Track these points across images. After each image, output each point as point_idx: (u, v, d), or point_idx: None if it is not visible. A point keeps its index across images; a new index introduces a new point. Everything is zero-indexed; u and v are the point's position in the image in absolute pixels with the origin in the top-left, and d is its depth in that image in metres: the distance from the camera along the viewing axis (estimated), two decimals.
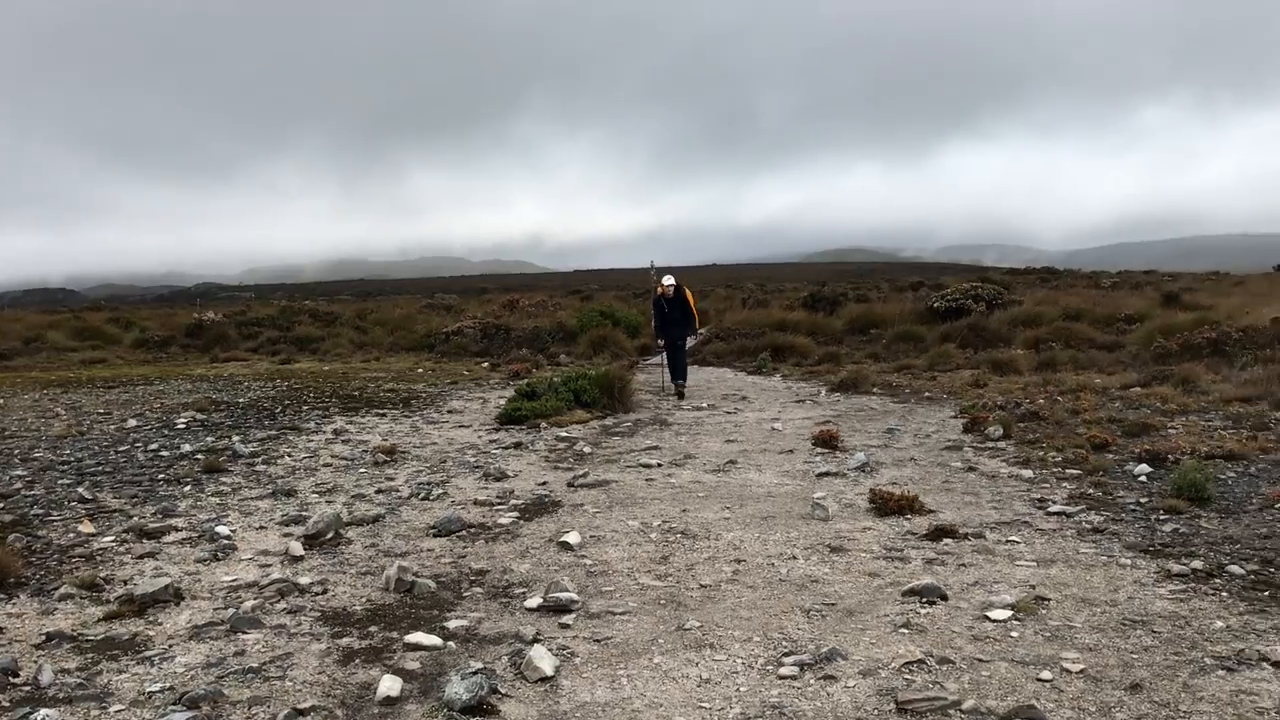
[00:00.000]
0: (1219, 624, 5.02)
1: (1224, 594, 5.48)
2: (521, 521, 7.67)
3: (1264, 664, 4.49)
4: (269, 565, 6.54)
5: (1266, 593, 5.46)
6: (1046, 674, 4.47)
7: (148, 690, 4.55)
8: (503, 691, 4.47)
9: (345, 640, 5.16)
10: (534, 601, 5.70)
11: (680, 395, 15.69)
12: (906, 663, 4.64)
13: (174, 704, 4.36)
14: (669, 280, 16.05)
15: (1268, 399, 11.83)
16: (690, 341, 17.55)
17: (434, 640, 5.09)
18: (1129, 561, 6.15)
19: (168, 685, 4.58)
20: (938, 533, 6.86)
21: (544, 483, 9.15)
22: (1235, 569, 5.86)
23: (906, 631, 5.07)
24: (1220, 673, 4.43)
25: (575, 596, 5.70)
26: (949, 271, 69.12)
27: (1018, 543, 6.67)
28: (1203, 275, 48.24)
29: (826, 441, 10.55)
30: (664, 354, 16.59)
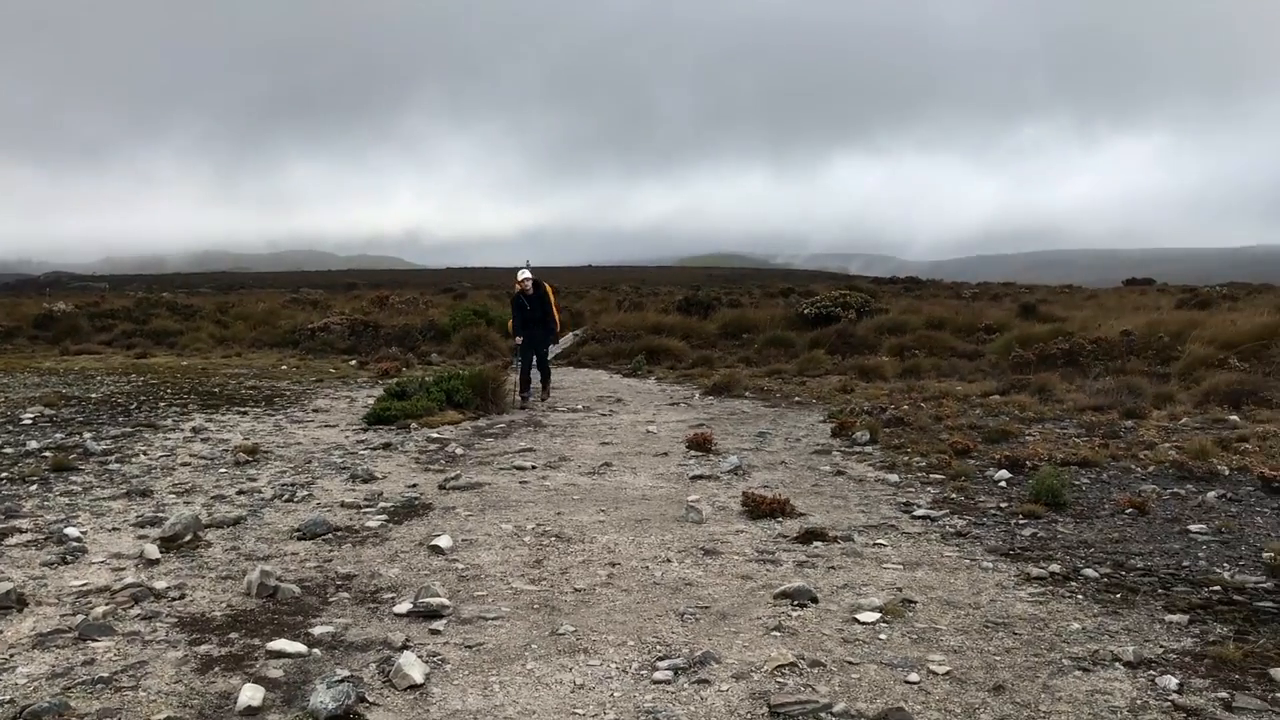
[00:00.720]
0: (1075, 625, 5.21)
1: (1080, 596, 5.69)
2: (391, 524, 7.49)
3: (1117, 664, 4.67)
4: (122, 569, 6.22)
5: (1119, 595, 5.70)
6: (914, 676, 4.56)
7: None
8: (370, 700, 4.34)
9: (204, 648, 4.93)
10: (404, 607, 5.55)
11: (545, 395, 15.32)
12: (779, 665, 4.67)
13: (14, 718, 4.09)
14: (525, 275, 15.32)
15: (1118, 408, 12.41)
16: (552, 349, 16.28)
17: (298, 647, 4.91)
18: (990, 565, 6.34)
19: (7, 698, 4.30)
20: (808, 535, 6.97)
21: (414, 485, 8.96)
22: (1090, 572, 6.10)
23: (779, 634, 5.12)
24: (1077, 673, 4.59)
25: (446, 601, 5.58)
26: (818, 279, 70.67)
27: (885, 546, 6.81)
28: (1057, 288, 50.38)
29: (700, 445, 10.63)
30: (518, 357, 15.60)
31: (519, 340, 15.37)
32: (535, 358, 15.51)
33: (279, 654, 4.84)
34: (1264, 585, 5.77)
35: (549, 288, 15.52)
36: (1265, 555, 6.28)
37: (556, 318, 15.57)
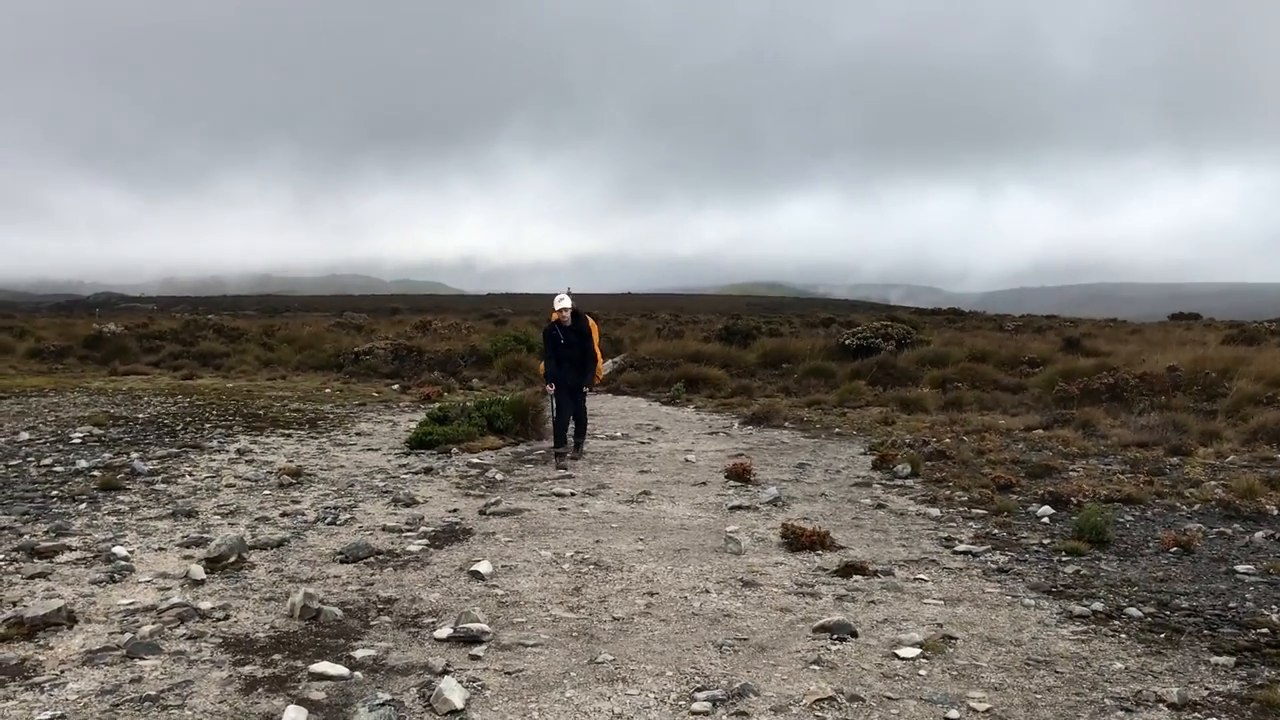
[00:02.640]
0: (1118, 665, 5.15)
1: (1123, 635, 5.63)
2: (431, 549, 7.55)
3: (1160, 705, 4.61)
4: (168, 588, 6.32)
5: (1163, 635, 5.63)
6: (954, 713, 4.53)
7: (37, 719, 4.35)
8: None
9: (248, 668, 5.00)
10: (444, 632, 5.60)
11: (578, 452, 12.48)
12: (818, 699, 4.67)
13: None
14: (563, 302, 12.32)
15: (1163, 445, 12.25)
16: (587, 391, 12.96)
17: (340, 670, 4.97)
18: (1033, 602, 6.29)
19: (59, 714, 4.39)
20: (848, 569, 6.94)
21: (455, 510, 9.03)
22: (1133, 611, 6.03)
23: (818, 668, 5.10)
24: (1119, 713, 4.54)
25: (486, 627, 5.63)
26: (859, 309, 70.40)
27: (925, 581, 6.77)
28: (1101, 322, 49.84)
29: (739, 474, 10.62)
30: (552, 401, 12.56)
31: (551, 388, 12.53)
32: (572, 404, 12.58)
33: (321, 676, 4.90)
34: None
35: (593, 322, 12.82)
36: None
37: (599, 356, 12.88)
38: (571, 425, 12.58)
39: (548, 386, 12.58)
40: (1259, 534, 7.98)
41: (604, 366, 13.51)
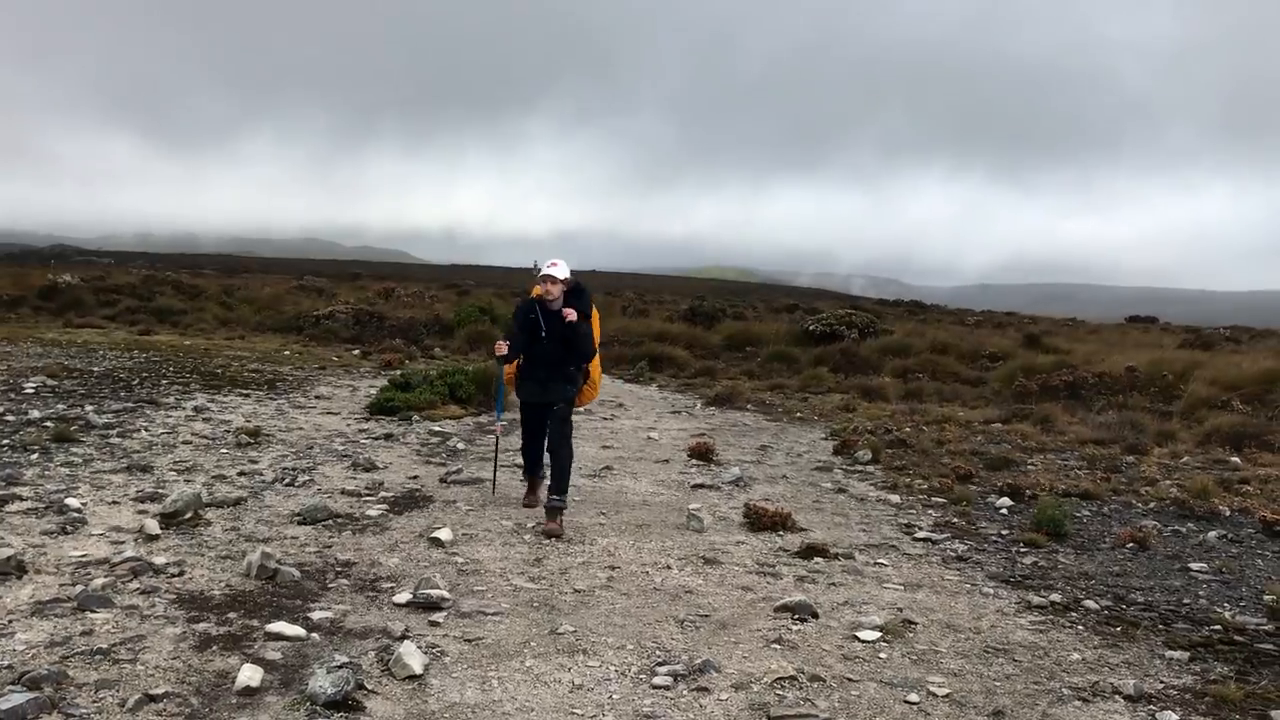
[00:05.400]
0: (1075, 656, 5.19)
1: (1080, 627, 5.68)
2: (391, 515, 7.47)
3: (1117, 697, 4.65)
4: (122, 542, 6.20)
5: (1119, 628, 5.68)
6: (914, 696, 4.54)
7: None
8: (369, 688, 4.32)
9: (202, 625, 4.91)
10: (403, 597, 5.54)
11: (554, 515, 7.34)
12: (778, 678, 4.66)
13: (13, 684, 4.07)
14: (560, 272, 7.67)
15: (1120, 443, 12.39)
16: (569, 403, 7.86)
17: (297, 631, 4.90)
18: (991, 591, 6.33)
19: (6, 664, 4.28)
20: (809, 551, 6.95)
21: (415, 476, 8.95)
22: (1091, 604, 6.09)
23: (779, 647, 5.10)
24: (1076, 703, 4.57)
25: (446, 594, 5.57)
26: (821, 297, 70.58)
27: (886, 565, 6.79)
28: (1060, 320, 50.37)
29: (702, 454, 10.61)
30: (520, 416, 8.08)
31: (513, 389, 8.08)
32: (549, 422, 7.79)
33: (278, 636, 4.83)
34: (1265, 627, 5.75)
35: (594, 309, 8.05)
36: (1266, 598, 6.26)
37: (596, 354, 7.99)
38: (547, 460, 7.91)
39: (499, 426, 8.65)
40: (1212, 533, 8.09)
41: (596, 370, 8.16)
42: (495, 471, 8.38)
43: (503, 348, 7.68)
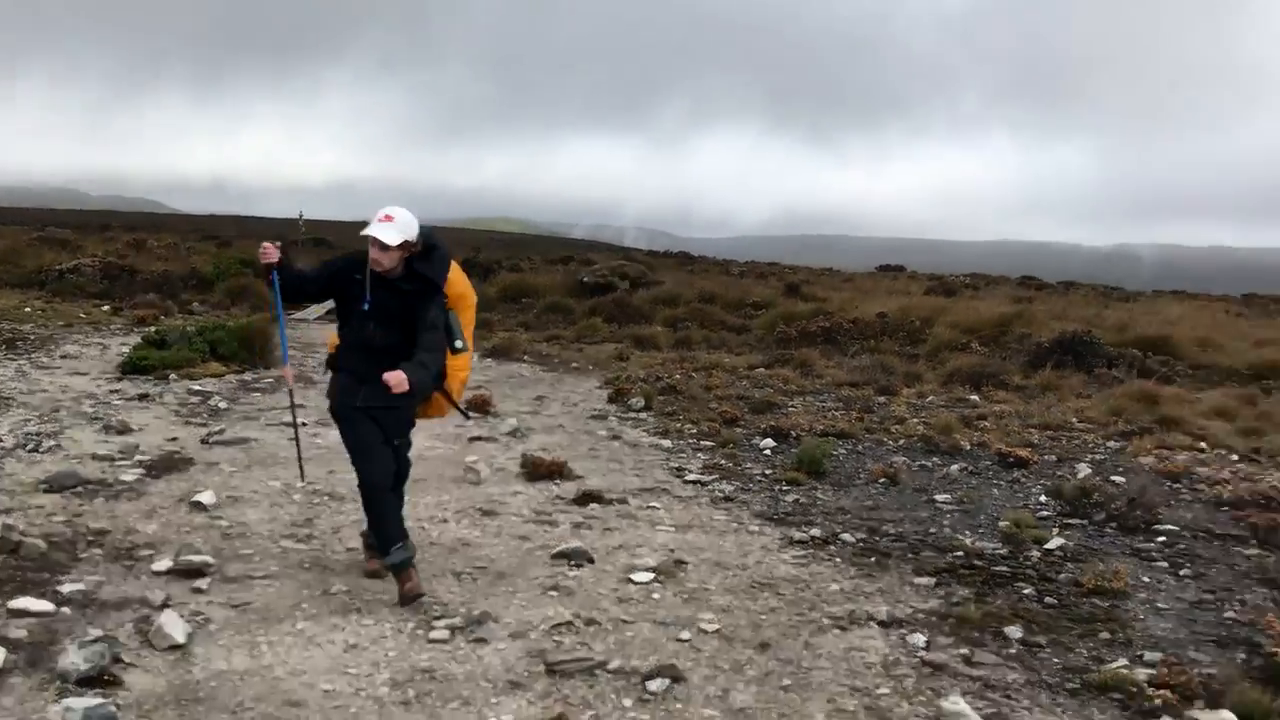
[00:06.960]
0: (834, 587, 5.54)
1: (838, 560, 6.05)
2: (148, 479, 7.09)
3: (871, 623, 5.00)
4: None
5: (873, 559, 6.08)
6: (685, 634, 4.73)
7: None
8: (127, 660, 4.13)
9: None
10: (163, 564, 5.29)
11: (399, 572, 5.03)
12: (556, 624, 4.75)
13: None
14: (392, 231, 5.00)
15: (872, 384, 13.15)
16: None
17: (45, 605, 4.61)
18: (757, 528, 6.63)
19: None
20: (585, 498, 7.07)
21: (174, 438, 8.49)
22: (847, 537, 6.48)
23: (556, 594, 5.19)
24: (836, 631, 4.89)
25: (210, 559, 5.36)
26: (595, 249, 71.13)
27: (658, 509, 7.00)
28: (819, 270, 52.66)
29: (478, 406, 10.54)
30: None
31: (289, 373, 6.09)
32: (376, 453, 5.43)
33: (22, 613, 4.54)
34: (1000, 551, 6.29)
35: (461, 275, 5.73)
36: (1001, 524, 6.84)
37: (469, 349, 5.76)
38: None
39: (286, 371, 6.03)
40: (955, 467, 8.74)
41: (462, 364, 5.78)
42: (296, 432, 5.96)
43: (271, 252, 5.20)
